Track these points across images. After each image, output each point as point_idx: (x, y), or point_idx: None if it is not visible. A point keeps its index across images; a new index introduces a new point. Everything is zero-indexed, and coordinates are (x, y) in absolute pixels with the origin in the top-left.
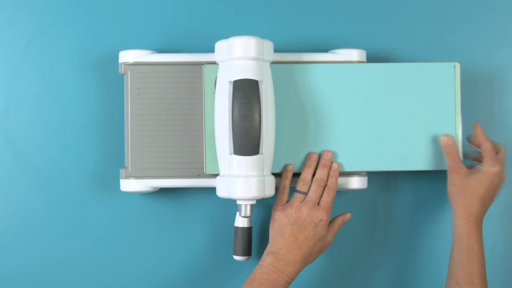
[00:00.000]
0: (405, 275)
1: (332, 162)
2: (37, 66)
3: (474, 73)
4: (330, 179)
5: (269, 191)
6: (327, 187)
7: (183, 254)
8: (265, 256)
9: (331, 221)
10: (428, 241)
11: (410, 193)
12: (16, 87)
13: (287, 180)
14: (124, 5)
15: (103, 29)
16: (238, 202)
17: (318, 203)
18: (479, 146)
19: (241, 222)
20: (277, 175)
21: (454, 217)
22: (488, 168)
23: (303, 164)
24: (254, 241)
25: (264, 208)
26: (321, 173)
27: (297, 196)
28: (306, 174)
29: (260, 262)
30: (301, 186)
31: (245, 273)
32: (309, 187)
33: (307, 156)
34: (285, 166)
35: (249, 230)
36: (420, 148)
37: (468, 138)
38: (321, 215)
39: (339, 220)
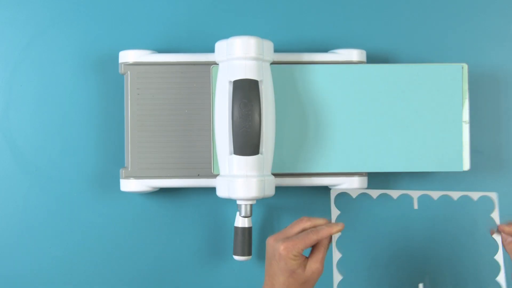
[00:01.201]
0: (406, 275)
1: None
2: (37, 66)
3: (474, 74)
4: (325, 227)
5: (269, 191)
6: (314, 228)
7: (183, 254)
8: None
9: (316, 245)
10: (428, 242)
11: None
12: (16, 87)
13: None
14: (124, 5)
15: (103, 29)
16: (238, 202)
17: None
18: None
19: (241, 222)
20: (277, 175)
21: None
22: None
23: (303, 164)
24: (254, 241)
25: (264, 208)
26: (316, 219)
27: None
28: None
29: None
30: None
31: (245, 273)
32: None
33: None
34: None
35: (249, 230)
36: (422, 149)
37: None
38: (279, 247)
39: (324, 242)
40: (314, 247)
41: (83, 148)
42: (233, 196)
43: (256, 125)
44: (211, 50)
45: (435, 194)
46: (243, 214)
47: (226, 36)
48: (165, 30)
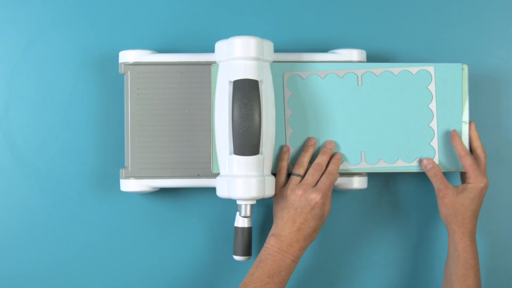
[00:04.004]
0: (405, 274)
1: (334, 152)
2: (37, 66)
3: (474, 74)
4: (331, 165)
5: (269, 191)
6: (326, 171)
7: (183, 254)
8: (269, 237)
9: None
10: (427, 241)
11: (410, 193)
12: (16, 87)
13: (283, 161)
14: (124, 5)
15: (103, 29)
16: (238, 202)
17: (315, 186)
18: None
19: (241, 222)
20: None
21: (450, 235)
22: (476, 185)
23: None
24: (254, 241)
25: (264, 208)
26: (320, 158)
27: (293, 179)
28: (302, 158)
29: (265, 244)
30: (296, 169)
31: (245, 273)
32: (306, 170)
33: (306, 141)
34: (281, 148)
35: (249, 230)
36: (422, 149)
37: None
38: (316, 197)
39: (329, 184)
40: None
41: (83, 148)
42: (233, 196)
43: (256, 125)
44: (211, 50)
45: (378, 71)
46: (243, 214)
47: (226, 36)
48: (165, 30)
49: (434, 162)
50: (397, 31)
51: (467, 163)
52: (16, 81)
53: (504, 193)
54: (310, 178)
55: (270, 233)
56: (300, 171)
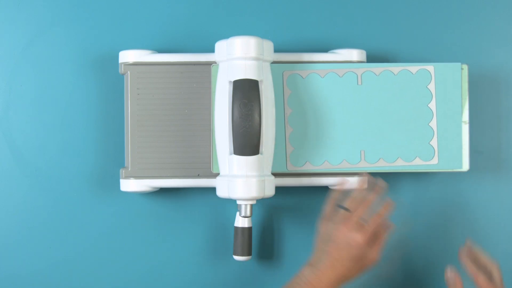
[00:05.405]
0: (405, 275)
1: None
2: (37, 66)
3: (474, 74)
4: (382, 209)
5: (269, 191)
6: (378, 214)
7: (183, 254)
8: (305, 266)
9: (375, 237)
10: (428, 241)
11: (410, 194)
12: (16, 87)
13: (336, 193)
14: (124, 5)
15: (103, 29)
16: (238, 202)
17: (362, 226)
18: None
19: (241, 222)
20: (277, 175)
21: None
22: None
23: (304, 163)
24: (254, 241)
25: (264, 208)
26: (370, 196)
27: (341, 212)
28: (358, 193)
29: (300, 270)
30: (348, 203)
31: (245, 273)
32: (355, 206)
33: (368, 181)
34: (339, 180)
35: (249, 230)
36: (422, 149)
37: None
38: (358, 238)
39: (383, 235)
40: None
41: (83, 148)
42: (233, 196)
43: (256, 125)
44: (211, 50)
45: (378, 70)
46: (243, 214)
47: (226, 36)
48: (165, 30)
49: (457, 275)
50: (397, 31)
51: (480, 279)
52: (16, 81)
53: (503, 193)
54: (357, 214)
55: (308, 261)
56: (351, 206)
